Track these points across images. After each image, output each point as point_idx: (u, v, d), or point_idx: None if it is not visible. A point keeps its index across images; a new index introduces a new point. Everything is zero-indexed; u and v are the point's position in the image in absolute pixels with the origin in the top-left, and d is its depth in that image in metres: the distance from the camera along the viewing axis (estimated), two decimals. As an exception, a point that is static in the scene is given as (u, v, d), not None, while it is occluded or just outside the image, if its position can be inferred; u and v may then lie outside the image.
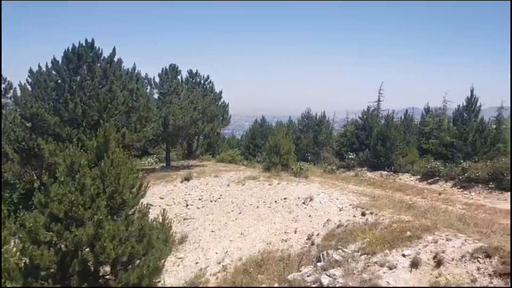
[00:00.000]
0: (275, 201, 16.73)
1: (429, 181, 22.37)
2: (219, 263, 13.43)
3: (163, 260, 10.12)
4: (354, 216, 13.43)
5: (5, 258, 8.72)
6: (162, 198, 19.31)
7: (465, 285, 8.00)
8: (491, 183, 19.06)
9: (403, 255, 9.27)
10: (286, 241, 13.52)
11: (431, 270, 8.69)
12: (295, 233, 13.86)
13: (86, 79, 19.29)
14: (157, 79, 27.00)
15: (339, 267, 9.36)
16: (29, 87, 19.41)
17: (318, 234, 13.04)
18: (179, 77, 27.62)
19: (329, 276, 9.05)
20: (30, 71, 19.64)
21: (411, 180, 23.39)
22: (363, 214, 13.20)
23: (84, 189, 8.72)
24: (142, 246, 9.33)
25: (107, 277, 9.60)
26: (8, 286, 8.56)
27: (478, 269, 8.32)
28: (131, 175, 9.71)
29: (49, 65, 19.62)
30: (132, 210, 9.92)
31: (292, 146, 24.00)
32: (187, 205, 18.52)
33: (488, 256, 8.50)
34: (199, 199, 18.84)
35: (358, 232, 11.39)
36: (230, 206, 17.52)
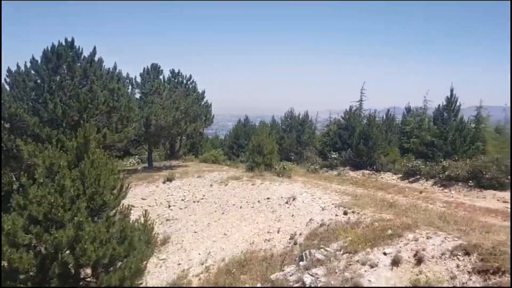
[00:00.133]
0: (258, 201, 16.73)
1: (410, 179, 22.66)
2: (202, 264, 13.37)
3: (145, 262, 10.06)
4: (336, 215, 13.49)
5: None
6: (144, 199, 19.14)
7: (445, 283, 8.12)
8: (470, 181, 19.38)
9: (385, 253, 9.36)
10: (269, 241, 13.52)
11: (412, 268, 8.79)
12: (278, 233, 13.88)
13: (66, 79, 18.98)
14: (138, 79, 26.73)
15: (321, 266, 9.41)
16: (7, 87, 19.03)
17: (301, 234, 13.08)
18: (161, 76, 27.39)
19: (311, 275, 9.09)
20: (9, 70, 19.25)
21: (393, 179, 23.65)
22: (345, 213, 13.28)
23: (64, 191, 8.61)
24: (124, 248, 9.25)
25: (88, 279, 9.50)
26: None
27: (458, 266, 8.44)
28: (112, 176, 9.63)
29: (28, 64, 19.27)
30: (113, 211, 9.84)
31: (275, 146, 24.02)
32: (169, 206, 18.41)
33: (467, 253, 8.63)
34: (182, 200, 18.74)
35: (340, 231, 11.46)
36: (213, 206, 17.47)
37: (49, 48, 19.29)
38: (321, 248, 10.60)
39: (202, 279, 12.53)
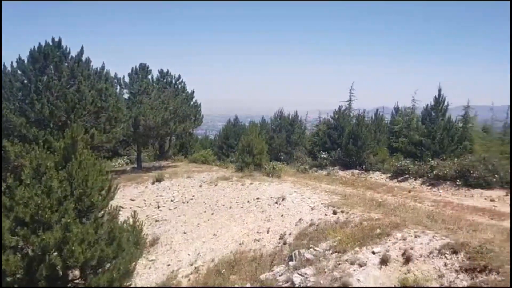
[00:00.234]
0: (248, 201, 16.72)
1: (399, 179, 22.79)
2: (191, 265, 13.33)
3: (134, 263, 9.99)
4: (325, 214, 13.54)
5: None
6: (133, 200, 19.02)
7: (433, 281, 8.19)
8: (458, 180, 19.54)
9: (373, 253, 9.42)
10: (258, 241, 13.52)
11: (400, 266, 8.86)
12: (268, 233, 13.88)
13: (53, 79, 18.79)
14: (127, 79, 26.53)
15: (310, 266, 9.44)
16: (-7, 87, 18.80)
17: (290, 234, 13.10)
18: (149, 76, 27.20)
19: (300, 275, 9.12)
20: (-6, 70, 19.03)
21: (382, 178, 23.78)
22: (335, 213, 13.32)
23: (51, 192, 8.52)
24: (112, 249, 9.18)
25: (76, 281, 9.42)
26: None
27: (445, 265, 8.53)
28: (100, 177, 9.55)
29: (15, 64, 19.05)
30: (101, 212, 9.75)
31: (265, 146, 24.02)
32: (158, 207, 18.32)
33: (455, 252, 8.73)
34: (171, 201, 18.66)
35: (329, 230, 11.51)
36: (202, 207, 17.42)
37: (36, 48, 19.10)
38: (311, 247, 10.63)
39: (192, 280, 12.49)
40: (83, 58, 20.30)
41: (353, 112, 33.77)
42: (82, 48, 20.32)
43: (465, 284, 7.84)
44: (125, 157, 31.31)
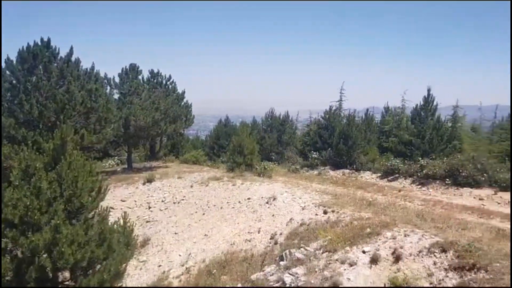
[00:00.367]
0: (239, 202, 16.73)
1: (389, 178, 22.89)
2: (182, 265, 13.32)
3: (124, 264, 9.99)
4: (316, 214, 13.60)
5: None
6: (123, 201, 18.94)
7: (422, 280, 8.26)
8: (447, 179, 19.68)
9: (363, 252, 9.47)
10: (249, 241, 13.55)
11: (390, 265, 8.92)
12: (259, 233, 13.91)
13: (42, 79, 18.66)
14: (117, 79, 26.41)
15: (301, 266, 9.47)
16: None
17: (281, 233, 13.14)
18: (140, 77, 27.11)
19: (291, 274, 9.15)
20: (-18, 71, 18.85)
21: (372, 178, 23.86)
22: (325, 212, 13.39)
23: (40, 193, 8.48)
24: (103, 250, 9.17)
25: (67, 283, 9.40)
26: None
27: (435, 263, 8.60)
28: (90, 178, 9.53)
29: (3, 65, 18.90)
30: (92, 213, 9.73)
31: (256, 146, 24.03)
32: (149, 208, 18.26)
33: (444, 250, 8.80)
34: (162, 201, 18.61)
35: (320, 230, 11.56)
36: (193, 207, 17.40)
37: (25, 48, 18.95)
38: (301, 247, 10.67)
39: (183, 281, 12.48)
40: (73, 58, 20.19)
41: (344, 112, 33.90)
42: (71, 48, 20.22)
43: (454, 282, 7.91)
44: (116, 157, 31.17)
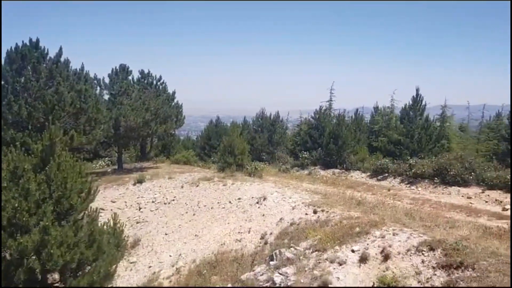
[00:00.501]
0: (229, 202, 16.75)
1: (379, 177, 23.10)
2: (173, 266, 13.29)
3: (114, 265, 9.96)
4: (306, 214, 13.65)
5: None
6: (113, 202, 18.85)
7: (411, 278, 8.34)
8: (436, 178, 19.91)
9: (352, 251, 9.55)
10: (240, 241, 13.56)
11: (379, 264, 9.00)
12: (249, 233, 13.93)
13: (31, 80, 18.51)
14: (107, 80, 26.28)
15: (291, 265, 9.52)
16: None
17: (271, 233, 13.18)
18: (130, 77, 27.00)
19: (281, 274, 9.19)
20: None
21: (362, 177, 24.06)
22: (315, 212, 13.44)
23: (29, 195, 8.42)
24: (92, 252, 9.13)
25: (56, 284, 9.35)
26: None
27: (423, 262, 8.69)
28: (79, 179, 9.48)
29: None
30: (81, 215, 9.69)
31: (247, 146, 24.07)
32: (139, 208, 18.19)
33: (432, 249, 8.90)
34: (152, 202, 18.56)
35: (309, 230, 11.61)
36: (184, 208, 17.38)
37: (13, 49, 18.80)
38: (291, 247, 10.72)
39: (173, 281, 12.46)
40: (62, 59, 20.06)
41: (334, 112, 34.07)
42: (60, 48, 20.11)
43: (441, 280, 8.00)
44: (106, 158, 31.06)
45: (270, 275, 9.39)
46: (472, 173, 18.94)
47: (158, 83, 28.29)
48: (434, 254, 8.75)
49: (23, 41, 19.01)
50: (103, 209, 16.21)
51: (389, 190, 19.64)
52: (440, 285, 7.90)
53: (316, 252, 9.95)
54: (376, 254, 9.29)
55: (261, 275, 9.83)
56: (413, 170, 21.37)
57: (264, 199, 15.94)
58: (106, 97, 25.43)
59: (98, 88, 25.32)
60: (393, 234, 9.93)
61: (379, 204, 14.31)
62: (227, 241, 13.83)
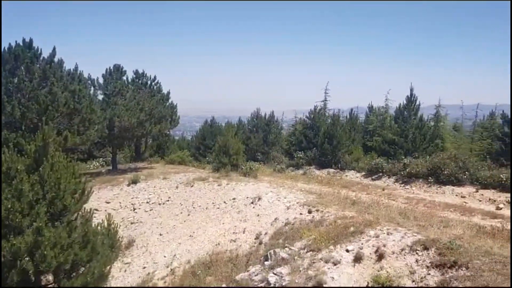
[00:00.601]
0: (224, 202, 16.73)
1: (374, 177, 23.15)
2: (167, 267, 13.26)
3: (108, 266, 9.90)
4: (301, 214, 13.66)
5: None
6: (108, 203, 18.79)
7: (405, 278, 8.37)
8: (430, 177, 19.97)
9: (347, 250, 9.57)
10: (234, 242, 13.56)
11: (373, 264, 9.03)
12: (244, 233, 13.93)
13: (24, 81, 18.40)
14: (101, 80, 26.16)
15: (285, 265, 9.52)
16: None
17: (266, 233, 13.18)
18: (124, 77, 26.88)
19: (276, 274, 9.19)
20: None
21: (357, 177, 24.09)
22: (310, 212, 13.45)
23: (22, 196, 8.36)
24: (86, 253, 9.08)
25: (50, 286, 9.28)
26: None
27: (417, 261, 8.73)
28: (73, 180, 9.43)
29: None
30: (75, 215, 9.63)
31: (242, 146, 24.05)
32: (134, 209, 18.14)
33: (426, 248, 8.95)
34: (147, 202, 18.51)
35: (304, 230, 11.62)
36: (178, 208, 17.35)
37: (6, 49, 18.68)
38: (286, 247, 10.73)
39: (168, 282, 12.43)
40: (56, 59, 19.96)
41: (328, 112, 34.09)
42: (54, 49, 20.01)
43: (435, 279, 8.04)
44: (101, 159, 30.92)
45: (265, 275, 9.40)
46: (466, 173, 19.01)
47: (153, 83, 28.20)
48: (428, 254, 8.79)
49: (16, 41, 18.93)
50: (97, 210, 16.15)
51: (383, 189, 19.69)
52: (434, 285, 7.93)
53: (311, 252, 9.97)
54: (370, 253, 9.32)
55: (255, 275, 9.83)
56: (407, 170, 21.43)
57: (259, 199, 15.94)
58: (100, 97, 25.31)
59: (92, 88, 25.20)
60: (388, 234, 9.96)
61: (373, 203, 14.35)
62: (221, 242, 13.82)
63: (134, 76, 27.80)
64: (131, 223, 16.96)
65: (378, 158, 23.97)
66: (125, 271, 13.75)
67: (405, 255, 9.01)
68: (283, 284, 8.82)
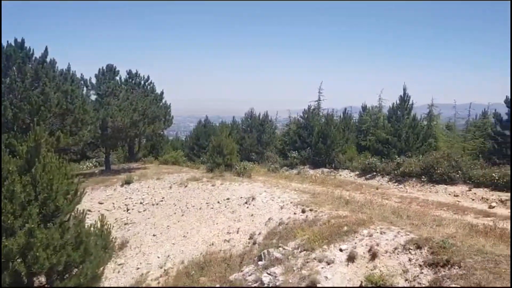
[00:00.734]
0: (218, 202, 16.72)
1: (367, 176, 23.23)
2: (161, 267, 13.24)
3: (102, 267, 9.85)
4: (295, 213, 13.68)
5: None
6: (101, 203, 18.73)
7: (398, 276, 8.40)
8: (423, 176, 20.07)
9: (340, 250, 9.59)
10: (228, 242, 13.55)
11: (367, 263, 9.05)
12: (238, 233, 13.93)
13: (16, 81, 18.30)
14: (93, 80, 26.05)
15: (279, 265, 9.52)
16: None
17: (260, 233, 13.18)
18: (117, 77, 26.80)
19: (269, 274, 9.19)
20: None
21: (351, 176, 24.16)
22: (303, 211, 13.47)
23: (14, 197, 8.29)
24: (79, 254, 9.03)
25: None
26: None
27: (410, 260, 8.75)
28: (65, 181, 9.37)
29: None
30: (67, 216, 9.57)
31: (236, 146, 24.07)
32: (127, 210, 18.10)
33: (419, 247, 8.97)
34: (140, 203, 18.47)
35: (298, 229, 11.63)
36: (172, 208, 17.32)
37: (-2, 49, 18.56)
38: (280, 247, 10.73)
39: (161, 283, 12.42)
40: (48, 59, 19.84)
41: (322, 112, 34.12)
42: (46, 49, 19.88)
43: (428, 278, 8.07)
44: (94, 159, 30.82)
45: (259, 275, 9.39)
46: (459, 171, 19.12)
47: (146, 83, 28.12)
48: (421, 252, 8.81)
49: (8, 41, 18.81)
50: (90, 211, 16.11)
51: (377, 188, 19.77)
52: (427, 283, 7.96)
53: (304, 252, 9.97)
54: (364, 252, 9.34)
55: (249, 275, 9.83)
56: (401, 169, 21.53)
57: (253, 199, 15.95)
58: (93, 97, 25.22)
59: (85, 88, 25.08)
60: (381, 233, 9.99)
61: (367, 203, 14.37)
62: (215, 242, 13.81)
63: (127, 76, 27.70)
64: (125, 224, 16.92)
65: (372, 158, 24.05)
66: (119, 272, 13.71)
67: (398, 254, 9.03)
68: (277, 284, 8.82)
